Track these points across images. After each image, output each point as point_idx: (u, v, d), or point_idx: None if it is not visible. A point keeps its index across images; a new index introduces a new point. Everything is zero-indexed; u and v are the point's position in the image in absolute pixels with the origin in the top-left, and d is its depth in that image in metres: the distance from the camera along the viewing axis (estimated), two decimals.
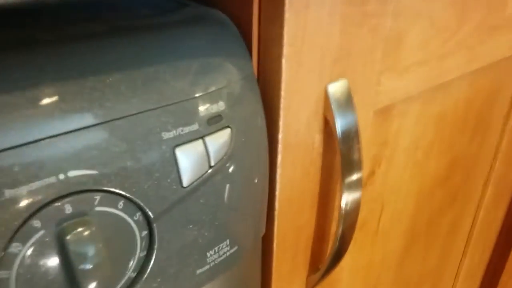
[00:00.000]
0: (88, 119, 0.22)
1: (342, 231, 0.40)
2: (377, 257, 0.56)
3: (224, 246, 0.30)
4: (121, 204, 0.23)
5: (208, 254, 0.29)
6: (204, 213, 0.27)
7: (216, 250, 0.30)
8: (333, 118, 0.35)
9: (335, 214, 0.43)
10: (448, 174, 0.60)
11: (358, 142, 0.37)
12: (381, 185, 0.48)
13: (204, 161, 0.26)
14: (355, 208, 0.39)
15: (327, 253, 0.45)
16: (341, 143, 0.36)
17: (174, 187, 0.25)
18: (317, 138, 0.36)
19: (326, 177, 0.40)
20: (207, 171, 0.26)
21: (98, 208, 0.23)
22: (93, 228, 0.22)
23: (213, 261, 0.30)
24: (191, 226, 0.27)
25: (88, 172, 0.22)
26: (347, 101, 0.36)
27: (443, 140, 0.54)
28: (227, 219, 0.30)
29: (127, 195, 0.23)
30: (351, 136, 0.36)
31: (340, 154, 0.36)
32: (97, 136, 0.22)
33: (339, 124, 0.35)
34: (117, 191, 0.23)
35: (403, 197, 0.54)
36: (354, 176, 0.38)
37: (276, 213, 0.37)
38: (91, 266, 0.22)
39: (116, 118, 0.22)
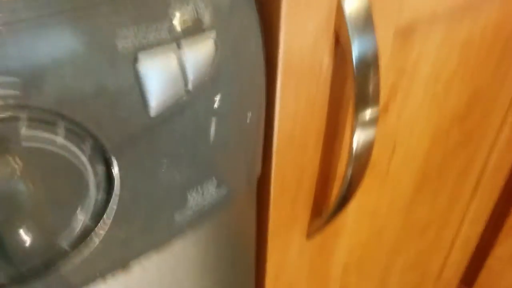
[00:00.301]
0: (6, 14, 0.15)
1: (352, 173, 0.34)
2: (384, 201, 0.51)
3: (209, 186, 0.25)
4: (61, 130, 0.17)
5: (189, 195, 0.24)
6: (181, 147, 0.22)
7: (199, 190, 0.24)
8: (347, 36, 0.29)
9: (343, 153, 0.37)
10: (467, 112, 0.54)
11: (376, 69, 0.30)
12: (395, 120, 0.43)
13: (178, 82, 0.20)
14: (368, 148, 0.33)
15: (331, 196, 0.40)
16: (356, 68, 0.29)
17: (137, 114, 0.19)
18: (326, 61, 0.29)
19: (335, 110, 0.34)
20: (182, 97, 0.20)
21: (27, 135, 0.17)
22: (18, 163, 0.16)
23: (195, 203, 0.25)
24: (164, 161, 0.21)
25: (5, 82, 0.16)
26: (366, 16, 0.29)
27: (466, 72, 0.47)
28: (212, 155, 0.24)
29: (69, 117, 0.17)
30: (368, 62, 0.30)
31: (354, 82, 0.30)
32: (21, 38, 0.16)
33: (355, 45, 0.29)
34: (54, 110, 0.17)
35: (417, 135, 0.48)
36: (369, 111, 0.31)
37: (274, 150, 0.31)
38: (18, 217, 0.16)
39: (47, 13, 0.16)
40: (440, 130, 0.51)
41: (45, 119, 0.17)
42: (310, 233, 0.41)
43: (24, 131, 0.16)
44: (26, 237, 0.19)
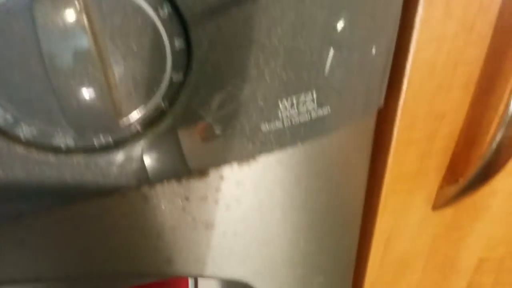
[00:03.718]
0: None
1: (504, 135, 0.26)
2: None
3: (307, 100, 0.21)
4: None
5: (281, 104, 0.20)
6: (276, 33, 0.18)
7: (294, 102, 0.20)
8: None
9: (497, 105, 0.29)
10: None
11: None
12: None
13: None
14: None
15: (475, 163, 0.32)
16: None
17: None
18: None
19: (497, 45, 0.26)
20: None
21: None
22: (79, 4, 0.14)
23: (288, 117, 0.21)
24: (252, 49, 0.18)
25: None
26: None
27: None
28: (318, 55, 0.19)
29: None
30: None
31: None
32: None
33: None
34: None
35: None
36: None
37: (405, 81, 0.25)
38: (80, 79, 0.14)
39: None
40: None
41: None
42: (438, 203, 0.33)
43: None
44: (88, 105, 0.17)
